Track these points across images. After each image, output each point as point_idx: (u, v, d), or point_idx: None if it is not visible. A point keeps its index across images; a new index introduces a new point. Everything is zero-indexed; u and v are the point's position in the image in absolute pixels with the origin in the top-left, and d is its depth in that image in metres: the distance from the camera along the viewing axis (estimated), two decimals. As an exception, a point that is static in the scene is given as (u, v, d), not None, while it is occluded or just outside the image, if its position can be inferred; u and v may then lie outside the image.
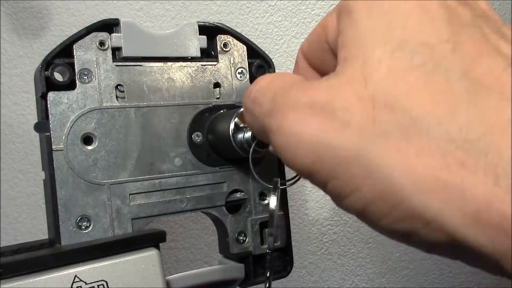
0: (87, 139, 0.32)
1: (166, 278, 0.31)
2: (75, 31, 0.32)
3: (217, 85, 0.36)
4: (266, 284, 0.30)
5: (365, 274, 0.63)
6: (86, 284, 0.27)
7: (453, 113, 0.16)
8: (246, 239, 0.36)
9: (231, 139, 0.32)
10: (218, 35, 0.37)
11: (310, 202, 0.60)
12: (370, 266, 0.63)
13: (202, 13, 0.52)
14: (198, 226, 0.52)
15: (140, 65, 0.34)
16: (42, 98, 0.31)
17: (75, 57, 0.32)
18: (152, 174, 0.34)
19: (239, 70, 0.37)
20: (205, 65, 0.36)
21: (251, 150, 0.32)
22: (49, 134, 0.31)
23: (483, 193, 0.15)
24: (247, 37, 0.38)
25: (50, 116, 0.31)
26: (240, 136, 0.32)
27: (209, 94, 0.36)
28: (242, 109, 0.33)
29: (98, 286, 0.28)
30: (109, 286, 0.28)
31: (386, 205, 0.18)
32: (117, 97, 0.33)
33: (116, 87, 0.33)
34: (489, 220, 0.15)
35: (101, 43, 0.33)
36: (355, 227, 0.62)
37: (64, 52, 0.32)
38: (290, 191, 0.56)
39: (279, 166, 0.38)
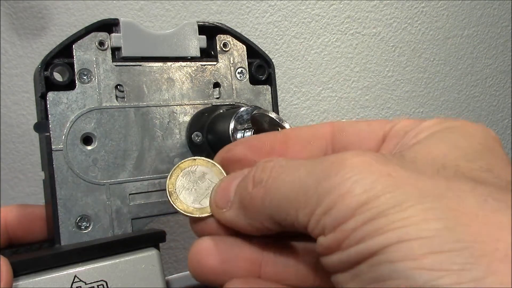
0: (87, 139, 0.32)
1: (166, 278, 0.31)
2: (75, 31, 0.32)
3: (216, 85, 0.36)
4: None
5: (365, 274, 0.63)
6: (86, 284, 0.27)
7: None
8: (246, 239, 0.36)
9: (231, 139, 0.32)
10: (218, 35, 0.37)
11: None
12: (370, 266, 0.63)
13: (202, 13, 0.52)
14: (198, 226, 0.52)
15: (140, 65, 0.34)
16: (41, 98, 0.31)
17: (74, 57, 0.32)
18: (152, 174, 0.34)
19: (239, 70, 0.37)
20: (204, 65, 0.36)
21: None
22: (48, 134, 0.31)
23: None
24: (247, 37, 0.38)
25: (49, 116, 0.31)
26: (240, 136, 0.32)
27: (208, 94, 0.36)
28: (242, 109, 0.33)
29: (98, 286, 0.28)
30: (109, 286, 0.28)
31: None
32: (116, 97, 0.33)
33: (116, 87, 0.33)
34: None
35: (101, 43, 0.33)
36: (355, 227, 0.62)
37: (64, 52, 0.32)
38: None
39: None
